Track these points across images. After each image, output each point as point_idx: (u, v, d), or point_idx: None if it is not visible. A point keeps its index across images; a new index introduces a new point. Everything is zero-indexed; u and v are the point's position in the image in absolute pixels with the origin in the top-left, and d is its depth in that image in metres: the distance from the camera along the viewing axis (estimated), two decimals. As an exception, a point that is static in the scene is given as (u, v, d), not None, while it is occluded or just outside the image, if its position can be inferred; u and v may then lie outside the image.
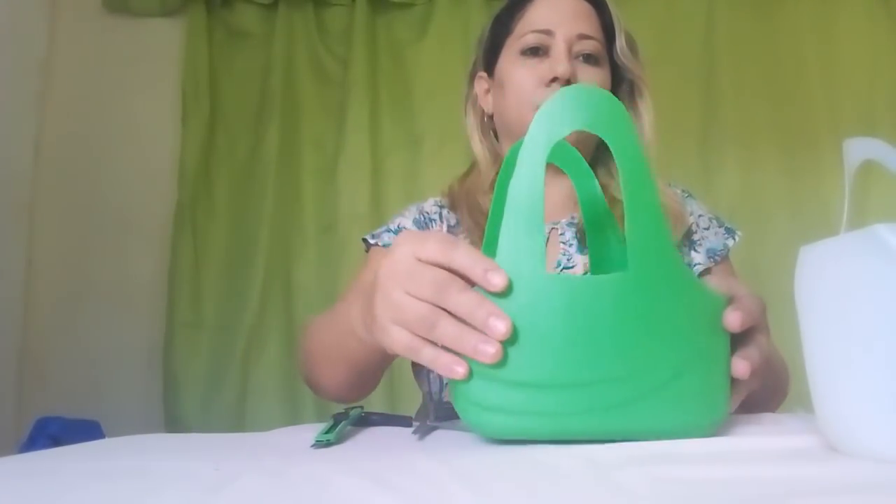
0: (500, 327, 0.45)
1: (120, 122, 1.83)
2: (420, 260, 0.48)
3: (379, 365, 0.75)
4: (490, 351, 0.45)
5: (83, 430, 1.30)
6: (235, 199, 1.80)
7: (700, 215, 0.94)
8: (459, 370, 0.46)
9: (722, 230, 0.94)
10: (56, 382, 1.71)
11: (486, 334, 0.45)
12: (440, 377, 0.90)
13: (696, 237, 0.92)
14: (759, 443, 0.47)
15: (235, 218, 1.79)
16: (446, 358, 0.47)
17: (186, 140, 1.80)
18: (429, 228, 0.96)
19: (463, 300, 0.46)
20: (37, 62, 1.79)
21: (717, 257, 0.90)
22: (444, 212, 0.98)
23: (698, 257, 0.90)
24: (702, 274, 0.89)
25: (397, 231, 0.96)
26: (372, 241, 0.96)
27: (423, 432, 0.57)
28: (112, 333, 1.75)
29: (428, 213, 0.98)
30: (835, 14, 1.82)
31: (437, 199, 1.00)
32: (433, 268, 0.48)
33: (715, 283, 0.52)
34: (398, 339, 0.49)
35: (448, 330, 0.46)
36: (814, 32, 1.81)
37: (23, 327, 1.72)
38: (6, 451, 0.70)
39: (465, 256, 0.47)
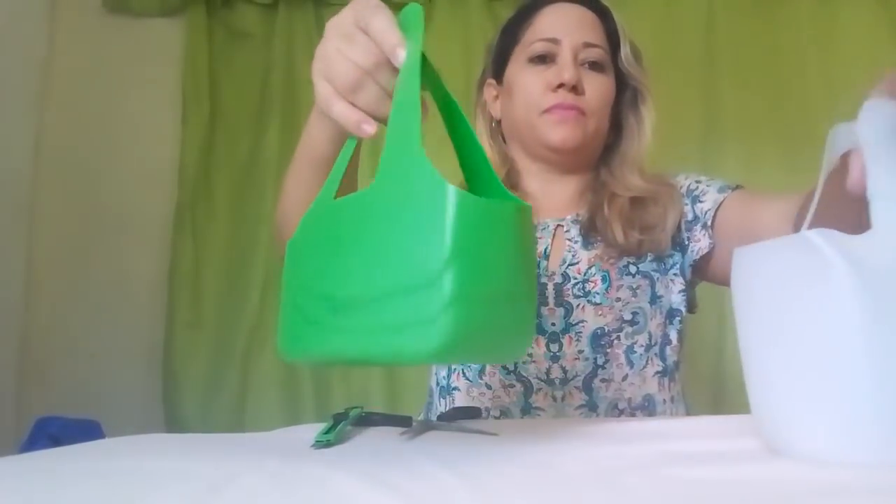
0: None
1: (120, 122, 1.83)
2: (360, 28, 0.51)
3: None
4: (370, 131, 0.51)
5: (83, 430, 1.30)
6: (235, 199, 1.79)
7: (696, 180, 0.93)
8: (367, 129, 0.50)
9: (721, 183, 0.92)
10: (56, 382, 1.71)
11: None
12: (447, 378, 0.90)
13: (697, 192, 0.90)
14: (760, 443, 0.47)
15: (235, 218, 1.78)
16: (357, 115, 0.51)
17: (186, 140, 1.79)
18: None
19: (384, 75, 0.50)
20: (37, 62, 1.79)
21: (728, 189, 0.88)
22: None
23: (709, 201, 0.88)
24: (720, 208, 0.86)
25: None
26: None
27: (415, 431, 0.57)
28: (112, 333, 1.75)
29: None
30: (835, 13, 1.82)
31: None
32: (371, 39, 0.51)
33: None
34: (321, 91, 0.52)
35: (370, 97, 0.51)
36: (814, 32, 1.81)
37: (23, 327, 1.72)
38: (6, 451, 0.70)
39: (384, 24, 0.51)
